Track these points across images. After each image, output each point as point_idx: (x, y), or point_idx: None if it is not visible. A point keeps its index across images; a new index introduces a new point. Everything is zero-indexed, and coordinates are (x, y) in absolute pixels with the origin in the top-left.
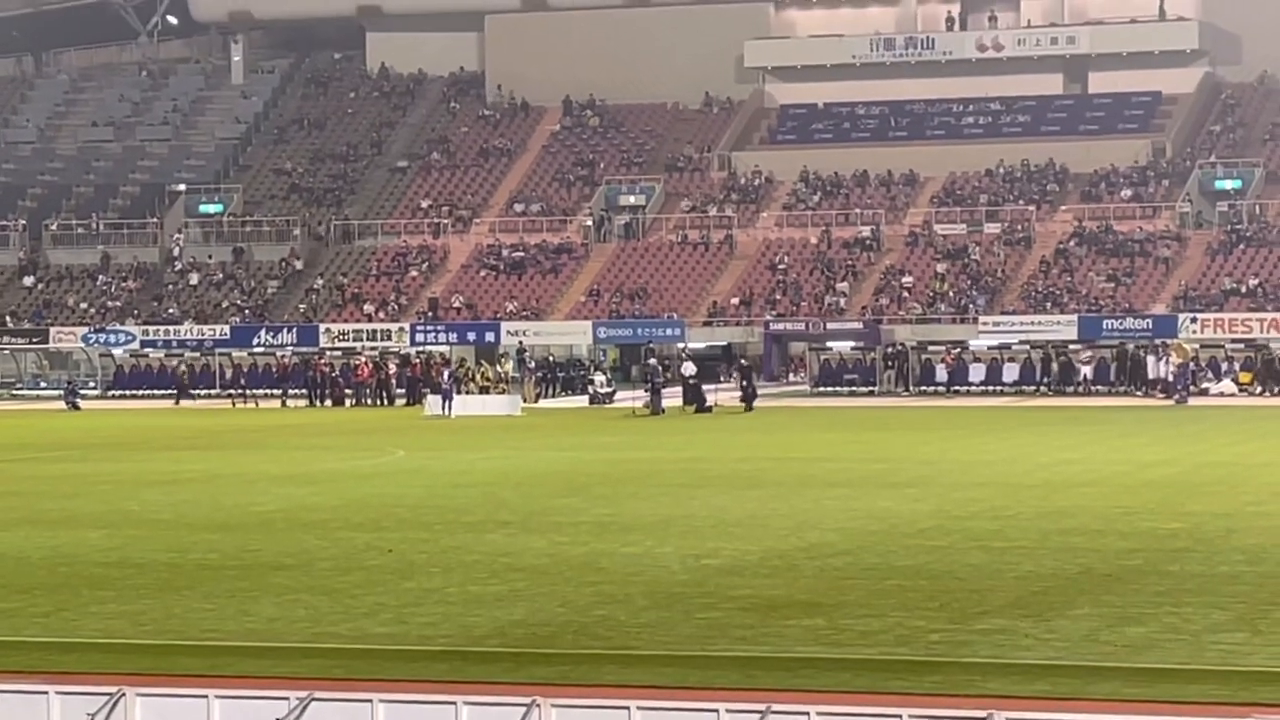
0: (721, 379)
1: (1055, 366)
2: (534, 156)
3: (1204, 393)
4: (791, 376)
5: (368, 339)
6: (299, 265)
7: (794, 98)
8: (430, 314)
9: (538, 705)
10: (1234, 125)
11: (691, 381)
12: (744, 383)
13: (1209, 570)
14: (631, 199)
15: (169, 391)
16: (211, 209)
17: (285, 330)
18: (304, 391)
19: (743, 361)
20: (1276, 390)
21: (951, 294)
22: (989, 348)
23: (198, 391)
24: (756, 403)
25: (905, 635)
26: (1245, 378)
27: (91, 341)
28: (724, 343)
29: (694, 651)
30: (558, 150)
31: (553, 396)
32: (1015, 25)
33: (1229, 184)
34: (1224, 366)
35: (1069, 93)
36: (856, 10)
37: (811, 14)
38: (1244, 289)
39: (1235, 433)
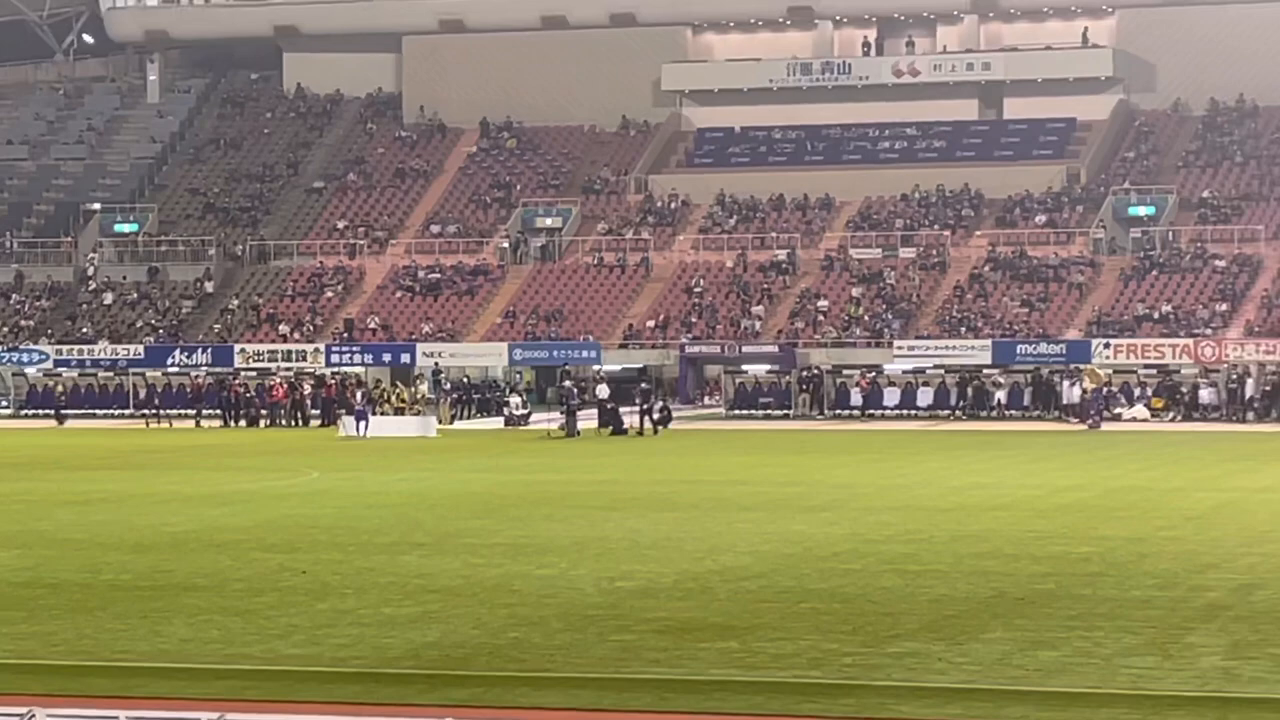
0: (636, 401)
1: (969, 391)
2: (451, 178)
3: (1116, 418)
4: (707, 399)
5: (283, 359)
6: (209, 288)
7: (711, 121)
8: (346, 335)
9: None
10: (1147, 152)
11: (608, 405)
12: (644, 405)
13: (1121, 594)
14: (548, 221)
15: (82, 411)
16: (126, 228)
17: (200, 350)
18: (218, 412)
19: (643, 385)
20: (1190, 416)
21: (866, 318)
22: (903, 372)
23: (112, 411)
24: (672, 425)
25: (818, 658)
26: (1157, 403)
27: (4, 361)
28: (640, 365)
29: (608, 674)
30: (474, 172)
31: (468, 418)
32: (931, 51)
33: (1142, 210)
34: (1136, 392)
35: (984, 118)
36: (774, 34)
37: (728, 38)
38: (1156, 315)
39: (1147, 458)
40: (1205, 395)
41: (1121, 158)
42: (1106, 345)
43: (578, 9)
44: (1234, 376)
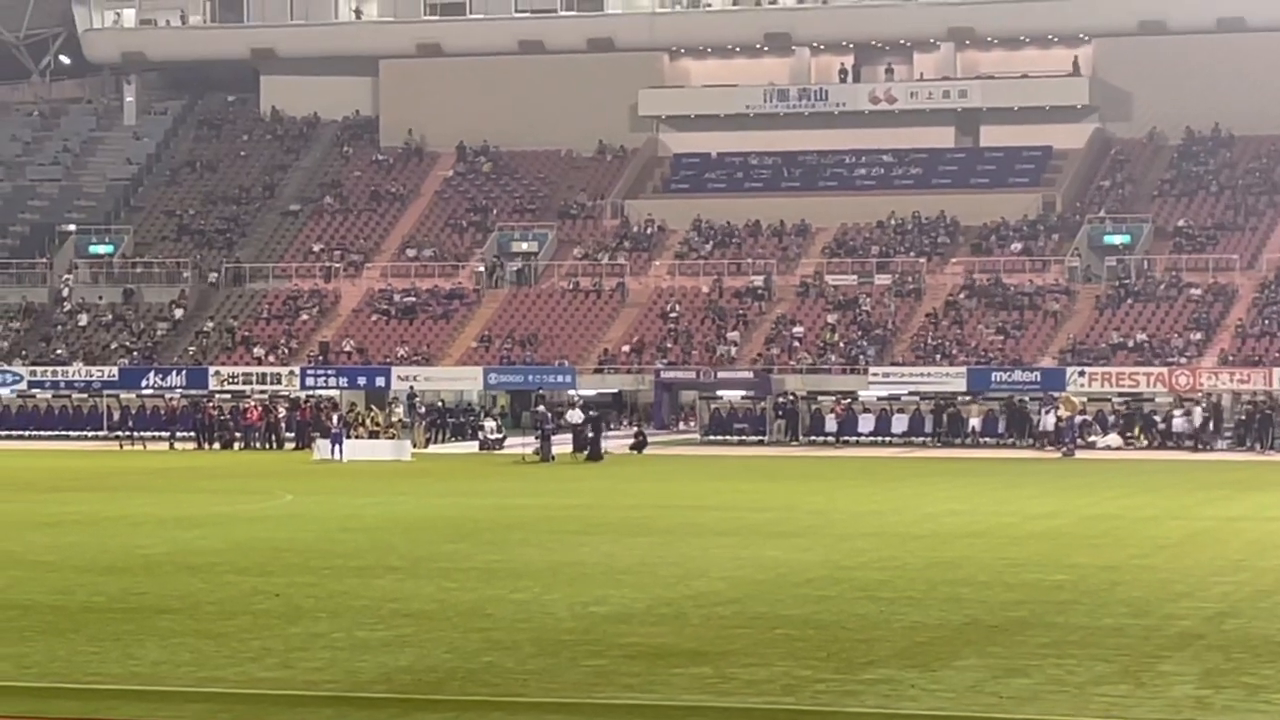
0: (612, 426)
1: (944, 418)
2: (427, 201)
3: (1091, 446)
4: (682, 425)
5: (257, 382)
6: (178, 315)
7: (687, 147)
8: (321, 358)
9: None
10: (1123, 181)
11: (582, 430)
12: (590, 433)
13: (1094, 623)
14: (524, 245)
15: (57, 433)
16: (102, 250)
17: (174, 373)
18: (192, 434)
19: (591, 412)
20: (1165, 445)
21: (842, 345)
22: (878, 398)
23: (86, 433)
24: (647, 450)
25: (792, 684)
26: (1129, 434)
27: None
28: (615, 390)
29: (580, 699)
30: (451, 196)
31: (443, 442)
32: (908, 78)
33: (1118, 239)
34: (1110, 420)
35: (960, 146)
36: (750, 61)
37: (705, 64)
38: (1131, 343)
39: (1121, 486)
40: (1179, 424)
41: (1097, 186)
42: (1081, 373)
43: (555, 34)
44: (1208, 406)
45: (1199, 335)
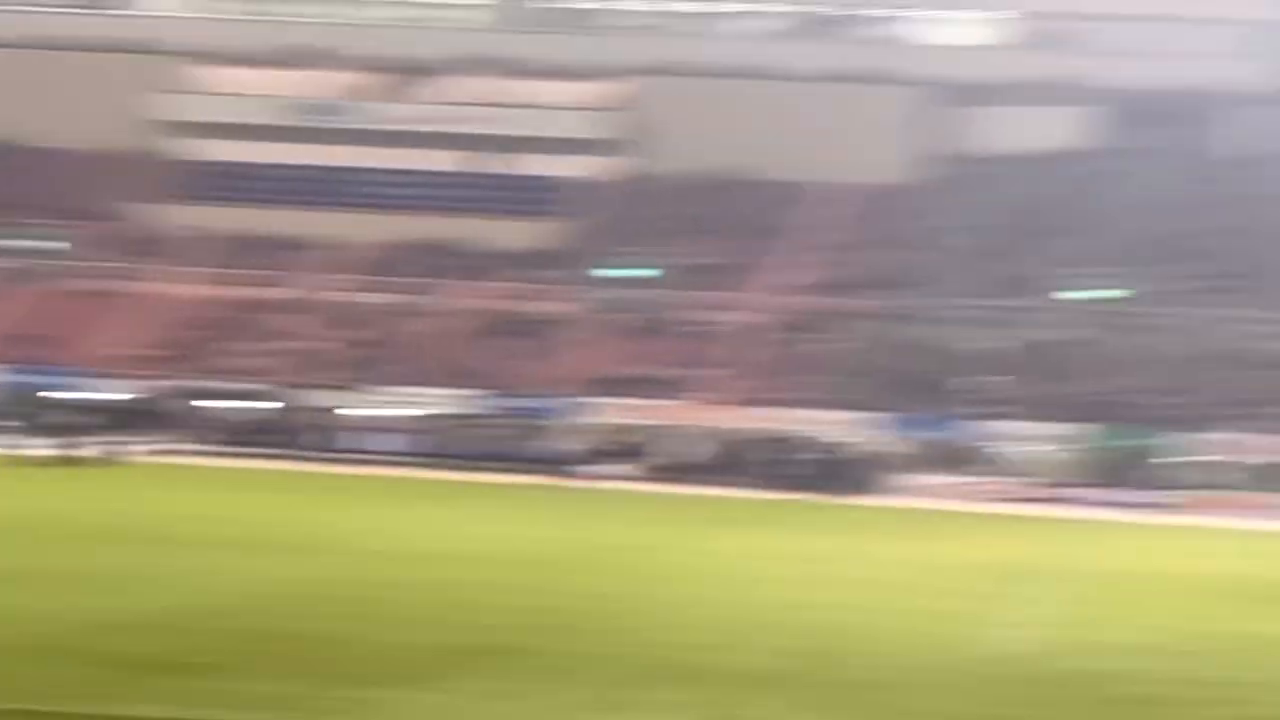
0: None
1: (455, 439)
2: None
3: (596, 475)
4: (192, 434)
5: None
6: None
7: (210, 155)
8: None
9: None
10: (642, 216)
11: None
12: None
13: (590, 650)
14: (40, 245)
15: None
16: None
17: None
18: None
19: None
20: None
21: (352, 362)
22: (391, 417)
23: None
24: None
25: (288, 700)
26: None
27: None
28: (129, 396)
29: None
30: None
31: None
32: (434, 100)
33: (632, 273)
34: (618, 449)
35: (483, 171)
36: (279, 72)
37: (230, 72)
38: (644, 375)
39: (625, 514)
40: (693, 456)
41: (617, 219)
42: (591, 404)
43: (74, 30)
44: (724, 440)
45: (709, 370)
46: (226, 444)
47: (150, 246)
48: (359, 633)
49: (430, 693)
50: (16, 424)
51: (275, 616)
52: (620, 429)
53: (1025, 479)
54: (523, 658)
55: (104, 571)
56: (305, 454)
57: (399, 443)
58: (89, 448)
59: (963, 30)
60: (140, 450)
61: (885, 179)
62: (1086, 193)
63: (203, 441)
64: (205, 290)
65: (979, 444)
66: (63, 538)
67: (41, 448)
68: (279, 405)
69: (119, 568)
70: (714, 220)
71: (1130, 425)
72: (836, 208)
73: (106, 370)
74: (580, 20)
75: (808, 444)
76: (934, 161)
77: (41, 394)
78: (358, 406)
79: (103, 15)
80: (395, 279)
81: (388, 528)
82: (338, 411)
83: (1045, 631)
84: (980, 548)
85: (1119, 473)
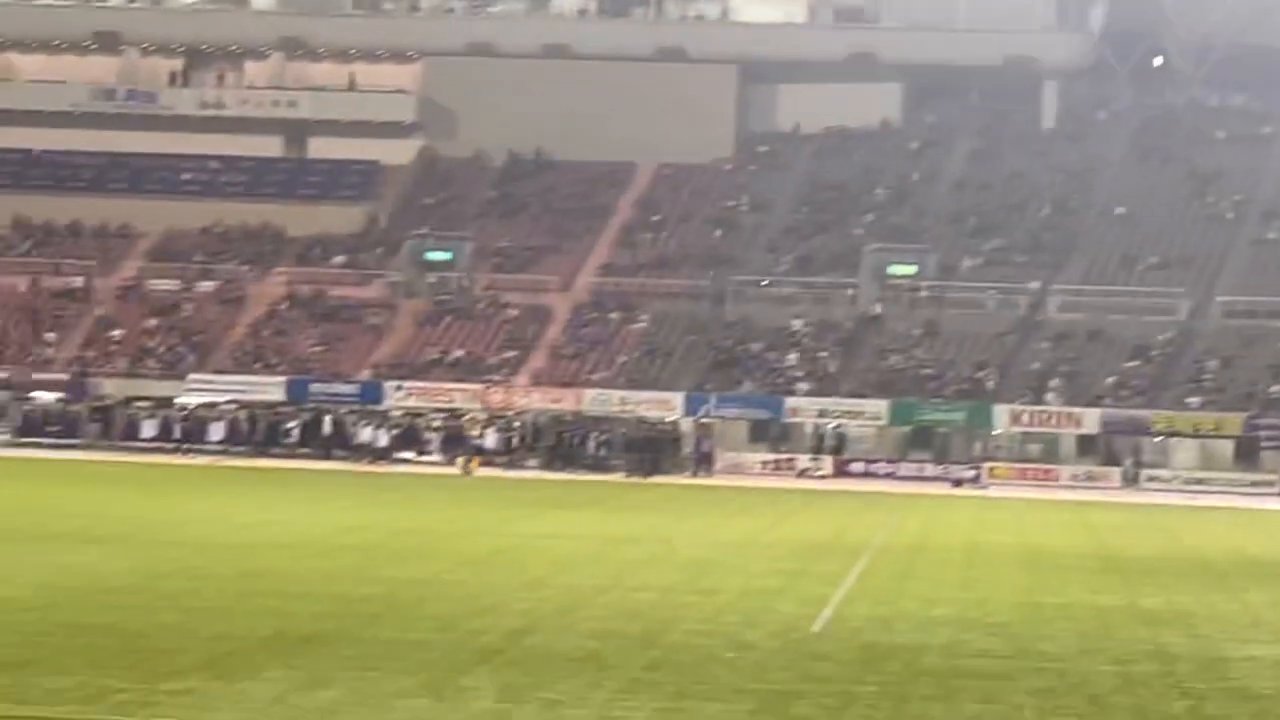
0: None
1: (262, 427)
2: None
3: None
4: None
5: None
6: None
7: (8, 142)
8: None
9: None
10: (447, 199)
11: None
12: None
13: (400, 636)
14: None
15: None
16: None
17: None
18: None
19: None
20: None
21: (162, 350)
22: (197, 405)
23: None
24: None
25: (93, 694)
26: (474, 464)
27: None
28: None
29: None
30: None
31: None
32: (238, 85)
33: (440, 255)
34: (426, 436)
35: (289, 156)
36: (78, 58)
37: (31, 58)
38: (449, 359)
39: (431, 501)
40: (489, 441)
41: (422, 203)
42: (399, 387)
43: None
44: (519, 424)
45: (514, 354)
46: (28, 435)
47: None
48: (170, 624)
49: (249, 682)
50: None
51: (85, 610)
52: (427, 414)
53: (835, 455)
54: (339, 645)
55: None
56: (111, 444)
57: (208, 431)
58: None
59: (769, 8)
60: None
61: (692, 158)
62: (893, 169)
63: (11, 433)
64: (10, 280)
65: (789, 420)
66: None
67: None
68: (84, 395)
69: None
70: (520, 202)
71: (934, 399)
72: (641, 187)
73: None
74: (378, 2)
75: (617, 424)
76: (741, 139)
77: None
78: (168, 394)
79: None
80: (199, 265)
81: (195, 517)
82: (143, 401)
83: (855, 607)
84: (791, 524)
85: (923, 446)
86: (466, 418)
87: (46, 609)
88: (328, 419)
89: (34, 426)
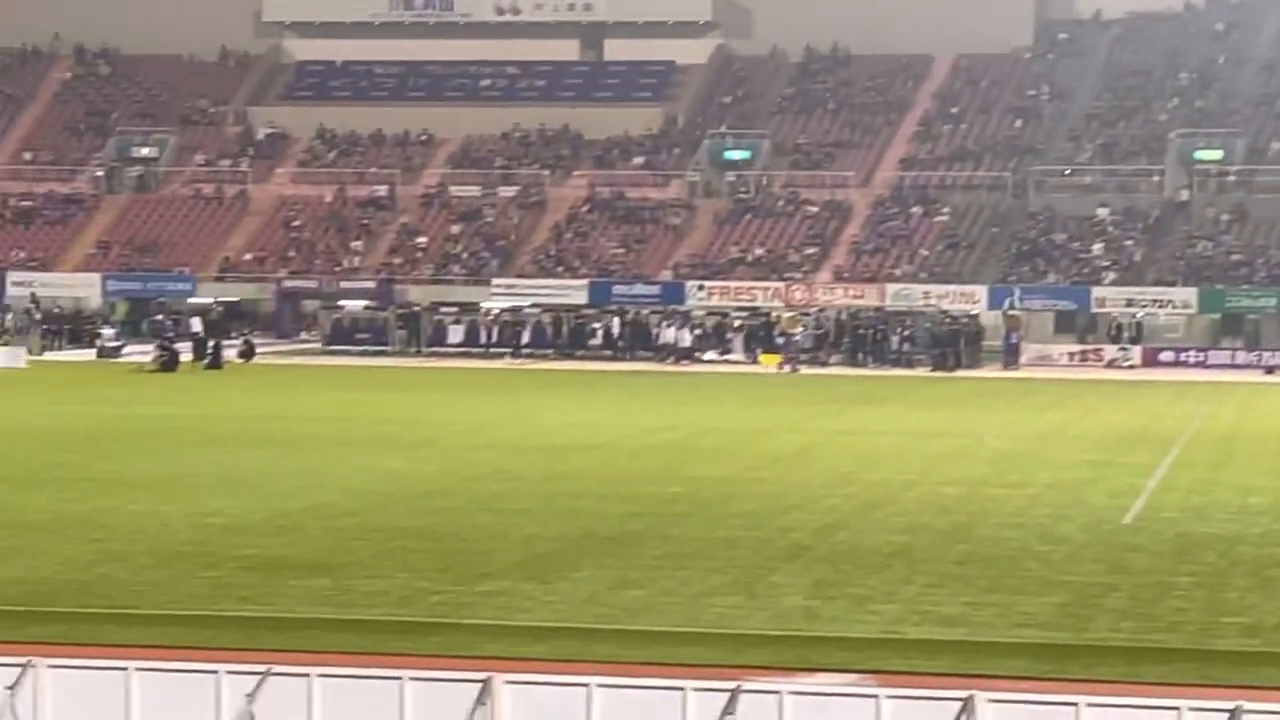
0: (233, 335)
1: (566, 330)
2: (44, 105)
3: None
4: (305, 335)
5: None
6: None
7: (312, 54)
8: None
9: (33, 666)
10: (744, 97)
11: (203, 339)
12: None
13: (707, 534)
14: (144, 151)
15: None
16: None
17: None
18: None
19: (194, 331)
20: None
21: (465, 255)
22: (502, 310)
23: None
24: (268, 360)
25: (408, 596)
26: (770, 359)
27: None
28: (235, 299)
29: (196, 611)
30: (69, 99)
31: (59, 349)
32: None
33: (738, 155)
34: (728, 335)
35: (585, 59)
36: None
37: None
38: (749, 258)
39: (737, 400)
40: (797, 338)
41: (718, 102)
42: (700, 287)
43: None
44: (822, 320)
45: (815, 251)
46: (339, 343)
47: (259, 148)
48: (483, 527)
49: (561, 582)
50: (131, 330)
51: (399, 514)
52: (731, 313)
53: (1144, 344)
54: (648, 545)
55: (223, 474)
56: (418, 350)
57: (517, 335)
58: (201, 352)
59: None
60: (249, 352)
61: (991, 48)
62: (1197, 52)
63: (321, 342)
64: (316, 190)
65: (1095, 310)
66: (176, 442)
67: (156, 353)
68: (390, 302)
69: (237, 470)
70: (817, 98)
71: (1244, 285)
72: (939, 79)
73: (218, 274)
74: None
75: (920, 318)
76: (1040, 27)
77: (159, 300)
78: (472, 300)
79: None
80: (499, 170)
81: (504, 420)
82: (449, 307)
83: (1168, 497)
84: (1100, 415)
85: (1234, 334)
86: (788, 315)
87: (362, 513)
88: (629, 319)
89: (343, 334)
